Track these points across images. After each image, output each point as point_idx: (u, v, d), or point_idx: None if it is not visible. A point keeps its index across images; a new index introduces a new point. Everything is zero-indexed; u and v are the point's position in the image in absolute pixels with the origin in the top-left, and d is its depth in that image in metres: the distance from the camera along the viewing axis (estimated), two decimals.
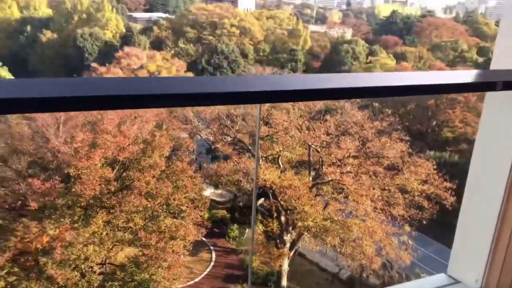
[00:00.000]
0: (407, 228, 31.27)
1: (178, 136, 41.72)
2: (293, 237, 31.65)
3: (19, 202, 29.39)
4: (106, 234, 26.20)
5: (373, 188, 29.45)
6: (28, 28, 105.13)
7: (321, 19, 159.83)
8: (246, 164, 31.91)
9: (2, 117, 34.27)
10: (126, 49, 63.47)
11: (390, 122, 33.37)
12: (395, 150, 30.97)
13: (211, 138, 40.24)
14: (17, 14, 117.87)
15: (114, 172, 30.47)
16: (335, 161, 30.89)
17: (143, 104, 1.65)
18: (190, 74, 62.97)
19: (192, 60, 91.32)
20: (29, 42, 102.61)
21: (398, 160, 31.23)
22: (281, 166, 31.92)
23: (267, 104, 30.75)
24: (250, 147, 35.64)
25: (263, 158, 32.20)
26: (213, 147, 41.85)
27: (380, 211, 28.99)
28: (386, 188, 30.40)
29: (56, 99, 1.29)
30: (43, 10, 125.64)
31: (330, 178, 29.81)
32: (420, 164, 31.32)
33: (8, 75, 56.68)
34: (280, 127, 32.53)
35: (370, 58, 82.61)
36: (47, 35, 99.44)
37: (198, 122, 46.66)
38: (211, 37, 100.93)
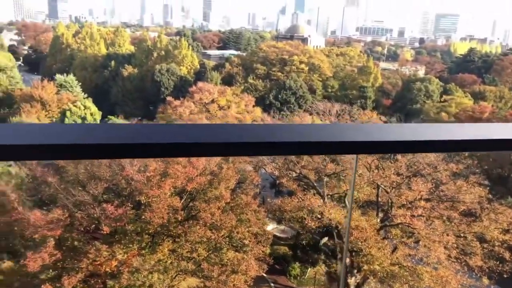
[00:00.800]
0: (486, 281, 28.61)
1: (244, 169, 42.29)
2: (357, 281, 30.18)
3: (93, 226, 31.03)
4: (171, 262, 26.72)
5: (447, 235, 27.48)
6: (112, 63, 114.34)
7: (393, 56, 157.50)
8: (311, 201, 31.35)
9: None
10: (199, 84, 66.47)
11: (467, 165, 31.40)
12: (472, 195, 28.89)
13: (276, 173, 40.24)
14: (103, 51, 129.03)
15: (182, 201, 31.37)
16: (405, 203, 29.40)
17: (236, 152, 1.65)
18: (258, 109, 64.26)
19: (261, 95, 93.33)
20: (112, 76, 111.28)
21: (476, 205, 29.04)
22: (348, 205, 30.99)
23: None
24: (315, 184, 35.10)
25: (329, 196, 31.52)
26: (277, 181, 41.80)
27: (455, 260, 26.87)
28: (462, 235, 28.24)
29: (114, 146, 1.35)
30: (127, 47, 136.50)
31: (399, 221, 28.34)
32: (501, 212, 28.86)
33: (93, 106, 61.47)
34: (348, 165, 31.81)
35: (444, 97, 79.23)
36: (128, 70, 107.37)
37: (263, 156, 47.09)
38: (280, 74, 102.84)
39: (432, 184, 29.81)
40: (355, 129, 1.63)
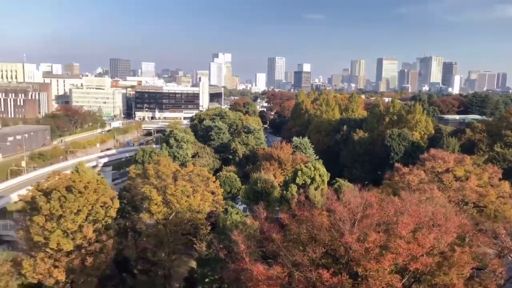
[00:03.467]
0: None
1: (484, 254, 35.49)
2: None
3: None
4: None
5: None
6: (345, 127, 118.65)
7: None
8: None
9: (308, 205, 38.02)
10: (432, 151, 61.22)
11: None
12: None
13: None
14: (337, 116, 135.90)
15: (403, 282, 28.06)
16: None
17: None
18: (506, 184, 54.37)
19: (510, 166, 79.76)
20: (343, 139, 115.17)
21: None
22: None
23: None
24: None
25: None
26: None
27: None
28: None
29: None
30: (359, 112, 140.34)
31: None
32: None
33: (322, 168, 63.83)
34: None
35: None
36: (359, 134, 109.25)
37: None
38: None
39: None
40: None
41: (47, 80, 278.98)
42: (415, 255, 27.12)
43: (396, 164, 60.92)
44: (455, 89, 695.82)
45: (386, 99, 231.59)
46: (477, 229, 39.81)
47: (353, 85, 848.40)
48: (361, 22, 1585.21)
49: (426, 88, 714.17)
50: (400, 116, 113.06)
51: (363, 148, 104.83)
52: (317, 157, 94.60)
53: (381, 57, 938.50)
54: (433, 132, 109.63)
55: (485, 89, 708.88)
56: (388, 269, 27.52)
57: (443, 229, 29.90)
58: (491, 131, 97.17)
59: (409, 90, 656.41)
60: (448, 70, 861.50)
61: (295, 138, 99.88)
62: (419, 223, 30.22)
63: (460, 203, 51.74)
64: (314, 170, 60.88)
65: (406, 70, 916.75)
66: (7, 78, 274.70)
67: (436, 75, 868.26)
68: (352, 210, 31.12)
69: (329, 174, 64.67)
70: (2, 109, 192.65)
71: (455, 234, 31.46)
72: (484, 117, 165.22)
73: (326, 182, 61.95)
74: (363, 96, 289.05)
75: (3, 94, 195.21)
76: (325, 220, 32.02)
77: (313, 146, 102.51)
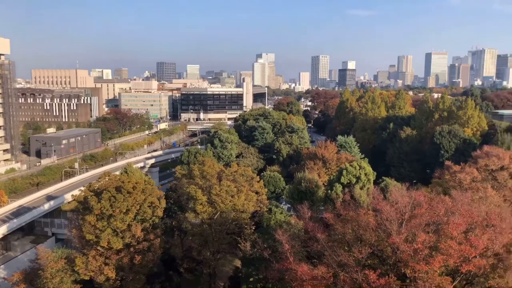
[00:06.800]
0: None
1: None
2: None
3: None
4: None
5: None
6: (391, 125, 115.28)
7: None
8: None
9: (353, 205, 37.25)
10: (486, 148, 58.26)
11: None
12: None
13: None
14: (383, 113, 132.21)
15: (454, 284, 26.84)
16: None
17: None
18: None
19: None
20: (390, 137, 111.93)
21: None
22: None
23: None
24: None
25: None
26: None
27: None
28: None
29: None
30: (406, 109, 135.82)
31: None
32: None
33: (367, 167, 62.37)
34: None
35: None
36: (406, 131, 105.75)
37: None
38: None
39: None
40: None
41: (98, 85, 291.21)
42: (467, 256, 25.89)
43: (447, 162, 58.53)
44: (510, 83, 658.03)
45: (436, 95, 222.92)
46: None
47: (400, 81, 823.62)
48: (408, 16, 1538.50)
49: (478, 82, 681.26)
50: (451, 112, 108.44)
51: (410, 146, 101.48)
52: (363, 156, 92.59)
53: (430, 51, 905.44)
54: (486, 128, 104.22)
55: None
56: (438, 271, 26.47)
57: (497, 229, 28.35)
58: None
59: (460, 85, 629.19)
60: (502, 63, 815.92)
61: (339, 137, 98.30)
62: (471, 223, 28.83)
63: None
64: (359, 169, 59.59)
65: (456, 64, 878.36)
66: (61, 84, 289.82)
67: (489, 68, 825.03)
68: (400, 209, 30.18)
69: (375, 173, 63.07)
70: (57, 113, 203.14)
71: (511, 235, 29.74)
72: None
73: (372, 182, 60.45)
74: (410, 93, 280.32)
75: (58, 99, 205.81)
76: (371, 220, 31.27)
77: (358, 144, 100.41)
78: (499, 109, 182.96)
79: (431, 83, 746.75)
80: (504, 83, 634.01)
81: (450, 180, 52.13)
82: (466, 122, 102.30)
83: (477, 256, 26.63)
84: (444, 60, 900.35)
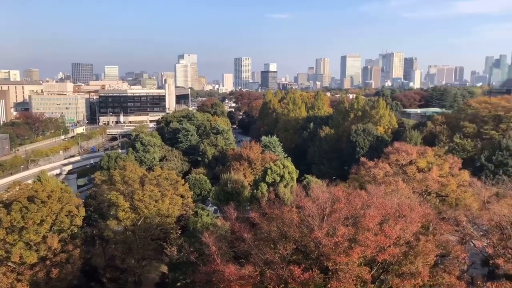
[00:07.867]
0: None
1: (447, 241, 36.72)
2: None
3: (282, 286, 30.79)
4: None
5: None
6: (311, 125, 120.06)
7: None
8: None
9: (278, 203, 38.28)
10: (396, 144, 62.88)
11: None
12: None
13: (489, 251, 33.53)
14: (304, 114, 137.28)
15: (372, 273, 28.63)
16: None
17: None
18: (465, 172, 56.52)
19: (469, 156, 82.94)
20: (310, 137, 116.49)
21: None
22: None
23: None
24: None
25: None
26: (491, 261, 34.74)
27: None
28: None
29: None
30: (325, 110, 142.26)
31: None
32: None
33: (291, 165, 64.31)
34: None
35: None
36: (325, 130, 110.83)
37: (472, 227, 40.20)
38: (493, 132, 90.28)
39: None
40: None
41: (5, 87, 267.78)
42: (383, 246, 27.72)
43: (362, 159, 62.11)
44: (416, 84, 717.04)
45: (351, 96, 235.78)
46: (440, 218, 41.24)
47: (318, 83, 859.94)
48: (324, 21, 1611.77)
49: (388, 83, 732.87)
50: (365, 111, 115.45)
51: (329, 145, 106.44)
52: (286, 155, 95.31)
53: (345, 54, 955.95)
54: (396, 126, 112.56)
55: (444, 82, 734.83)
56: (357, 262, 28.02)
57: (408, 219, 30.73)
58: (450, 123, 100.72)
59: (373, 86, 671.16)
60: (409, 65, 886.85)
61: (263, 137, 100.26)
62: (385, 215, 30.94)
63: (424, 193, 53.37)
64: (283, 168, 61.19)
65: (369, 67, 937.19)
66: None
67: (397, 70, 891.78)
68: (321, 205, 31.51)
69: (297, 171, 65.14)
70: None
71: (420, 223, 32.42)
72: (443, 109, 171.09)
73: (295, 180, 62.38)
74: (328, 94, 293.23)
75: None
76: (295, 216, 32.26)
77: (281, 144, 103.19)
78: (407, 108, 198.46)
79: (347, 85, 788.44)
80: (411, 84, 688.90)
81: (366, 175, 55.48)
82: (378, 120, 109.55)
83: (391, 246, 28.60)
84: (358, 63, 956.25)
